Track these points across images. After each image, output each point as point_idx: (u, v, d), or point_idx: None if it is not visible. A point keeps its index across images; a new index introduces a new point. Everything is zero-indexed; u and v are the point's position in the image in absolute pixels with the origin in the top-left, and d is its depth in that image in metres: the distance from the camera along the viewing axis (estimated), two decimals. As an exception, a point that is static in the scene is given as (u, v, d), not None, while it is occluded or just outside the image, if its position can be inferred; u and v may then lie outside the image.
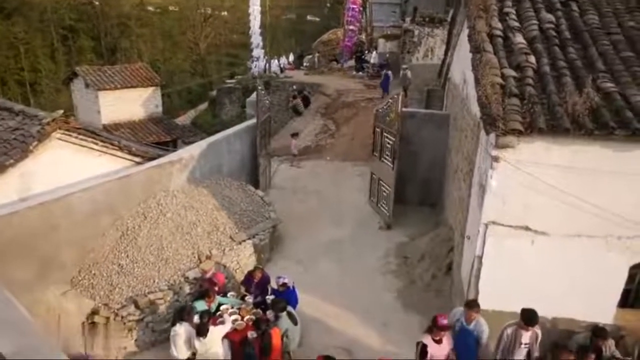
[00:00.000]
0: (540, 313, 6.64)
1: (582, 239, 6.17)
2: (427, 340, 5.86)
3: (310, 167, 15.30)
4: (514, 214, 6.27)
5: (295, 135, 16.37)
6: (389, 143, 10.85)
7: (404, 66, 21.35)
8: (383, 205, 11.47)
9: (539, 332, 5.98)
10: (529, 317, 5.87)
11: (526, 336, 5.92)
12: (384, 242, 10.76)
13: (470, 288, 6.82)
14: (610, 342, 6.22)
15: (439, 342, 5.85)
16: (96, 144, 9.73)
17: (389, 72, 20.83)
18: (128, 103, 19.10)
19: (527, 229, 6.29)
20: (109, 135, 10.48)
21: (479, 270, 6.63)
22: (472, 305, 6.25)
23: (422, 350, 5.85)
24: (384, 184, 11.29)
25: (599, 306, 6.50)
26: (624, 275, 6.32)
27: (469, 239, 7.20)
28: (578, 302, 6.47)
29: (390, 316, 8.46)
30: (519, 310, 6.68)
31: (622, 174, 5.81)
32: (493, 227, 6.37)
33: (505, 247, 6.39)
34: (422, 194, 11.83)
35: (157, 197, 9.17)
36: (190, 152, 10.37)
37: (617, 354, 6.17)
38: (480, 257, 6.56)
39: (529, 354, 6.02)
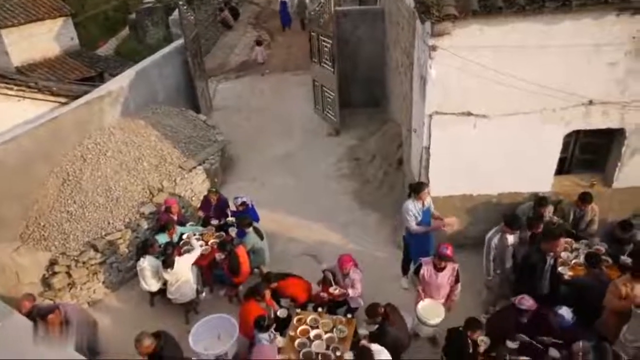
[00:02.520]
0: (487, 191, 7.12)
1: (520, 116, 6.41)
2: (428, 265, 5.86)
3: (249, 82, 14.79)
4: (455, 101, 6.37)
5: (259, 42, 15.53)
6: (326, 46, 10.51)
7: None
8: (329, 111, 11.39)
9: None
10: (512, 221, 6.04)
11: (511, 238, 6.09)
12: (334, 147, 10.87)
13: (421, 179, 7.09)
14: (550, 209, 6.78)
15: (440, 270, 5.82)
16: (10, 88, 8.88)
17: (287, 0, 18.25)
18: (38, 39, 17.16)
19: (468, 114, 6.44)
20: (22, 77, 9.55)
21: (427, 160, 6.86)
22: (420, 188, 6.45)
23: (417, 269, 5.96)
24: (327, 90, 11.12)
25: (538, 177, 6.96)
26: (559, 145, 6.72)
27: (415, 132, 7.35)
28: (520, 176, 6.90)
29: (348, 217, 8.80)
30: (467, 192, 7.12)
31: (553, 47, 5.92)
32: (437, 117, 6.49)
33: (449, 134, 6.57)
34: (366, 94, 11.79)
35: (92, 137, 8.66)
36: (119, 83, 9.67)
37: (555, 219, 6.74)
38: (428, 148, 6.75)
39: (513, 254, 6.17)
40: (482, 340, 5.23)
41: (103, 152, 8.46)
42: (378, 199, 9.06)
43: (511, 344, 5.36)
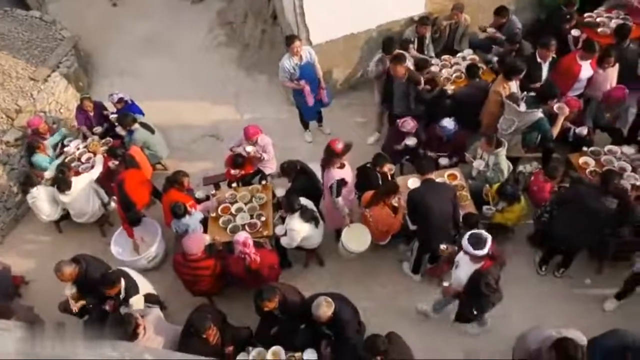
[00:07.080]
0: (366, 26, 7.08)
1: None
2: (332, 173, 5.22)
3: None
4: None
5: None
6: None
7: None
8: (183, -26, 10.09)
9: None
10: (388, 45, 6.11)
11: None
12: (202, 15, 9.89)
13: (300, 28, 6.79)
14: (429, 28, 6.94)
15: (342, 167, 5.32)
16: None
17: None
18: None
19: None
20: None
21: (301, 7, 6.52)
22: (288, 40, 6.21)
23: (339, 187, 5.21)
24: (173, -51, 9.68)
25: (412, 1, 6.96)
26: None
27: (282, -21, 6.81)
28: (394, 3, 6.83)
29: (237, 86, 8.45)
30: (348, 32, 7.03)
31: None
32: (300, -43, 5.99)
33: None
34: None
35: None
36: None
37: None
38: (299, -6, 6.35)
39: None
40: (390, 169, 5.64)
41: None
42: (262, 60, 8.66)
43: (409, 141, 5.95)
